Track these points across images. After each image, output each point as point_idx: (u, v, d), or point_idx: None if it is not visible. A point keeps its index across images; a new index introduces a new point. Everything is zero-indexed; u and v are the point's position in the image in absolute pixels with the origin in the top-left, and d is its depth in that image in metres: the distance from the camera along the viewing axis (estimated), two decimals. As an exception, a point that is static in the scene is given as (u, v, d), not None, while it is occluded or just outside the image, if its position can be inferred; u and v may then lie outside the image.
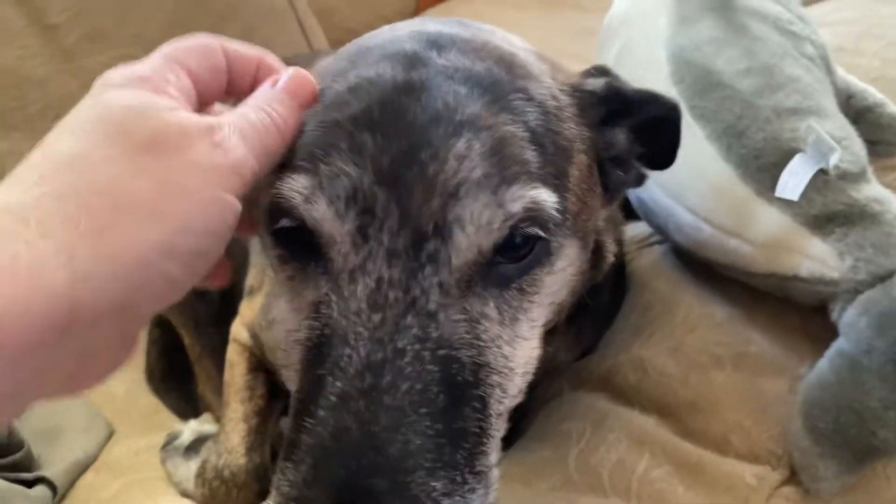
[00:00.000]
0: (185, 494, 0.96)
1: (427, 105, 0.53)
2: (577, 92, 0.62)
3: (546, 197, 0.53)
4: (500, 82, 0.56)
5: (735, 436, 0.74)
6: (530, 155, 0.54)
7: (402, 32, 0.61)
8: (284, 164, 0.57)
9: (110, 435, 1.12)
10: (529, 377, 0.58)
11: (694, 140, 0.78)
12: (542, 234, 0.54)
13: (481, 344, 0.52)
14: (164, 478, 1.00)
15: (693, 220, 0.78)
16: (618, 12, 1.03)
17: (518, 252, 0.54)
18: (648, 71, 0.88)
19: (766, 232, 0.72)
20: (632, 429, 0.77)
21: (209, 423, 1.08)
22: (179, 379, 1.24)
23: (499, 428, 0.54)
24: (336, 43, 1.72)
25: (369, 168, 0.51)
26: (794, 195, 0.70)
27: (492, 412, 0.53)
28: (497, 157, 0.52)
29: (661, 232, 0.88)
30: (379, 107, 0.53)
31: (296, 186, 0.53)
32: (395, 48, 0.58)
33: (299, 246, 0.55)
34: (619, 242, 0.83)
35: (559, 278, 0.59)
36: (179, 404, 1.20)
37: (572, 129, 0.60)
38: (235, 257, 1.21)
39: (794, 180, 0.70)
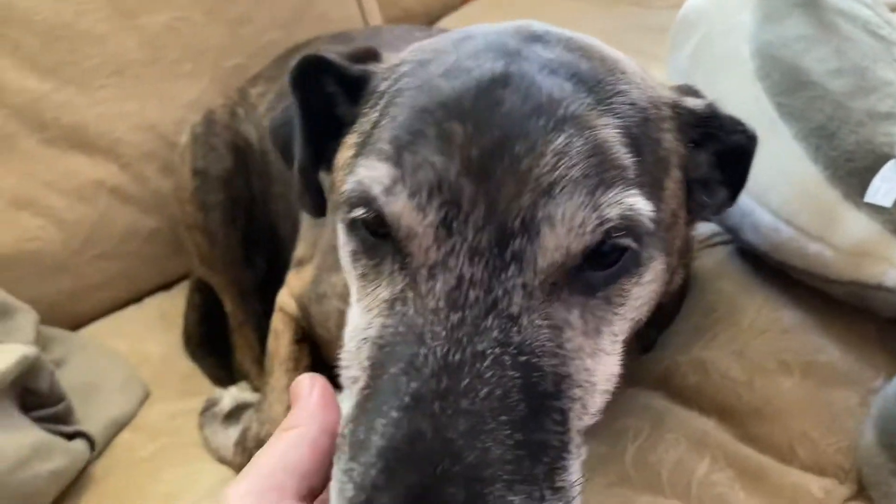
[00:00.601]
0: (222, 461, 0.95)
1: (528, 96, 0.51)
2: (677, 107, 0.60)
3: (643, 206, 0.51)
4: (605, 83, 0.54)
5: (801, 446, 0.71)
6: (629, 161, 0.52)
7: (508, 27, 0.60)
8: (367, 143, 0.55)
9: (146, 396, 1.12)
10: (608, 396, 0.55)
11: (779, 139, 0.75)
12: (633, 245, 0.51)
13: (564, 354, 0.49)
14: (200, 443, 1.00)
15: (773, 221, 0.75)
16: (695, 5, 1.00)
17: (606, 259, 0.51)
18: (729, 66, 0.85)
19: (852, 238, 0.70)
20: (691, 430, 0.75)
21: (249, 391, 1.07)
22: (217, 345, 1.23)
23: (579, 444, 0.51)
24: (391, 20, 1.70)
25: (457, 158, 0.49)
26: (886, 201, 0.67)
27: (571, 427, 0.49)
28: (597, 159, 0.50)
29: (733, 232, 0.85)
30: (473, 96, 0.51)
31: (376, 176, 0.50)
32: (499, 41, 0.56)
33: (374, 240, 0.53)
34: (687, 266, 0.80)
35: (645, 291, 0.56)
36: (215, 370, 1.19)
37: (671, 142, 0.58)
38: (285, 228, 1.21)
39: (886, 186, 0.68)
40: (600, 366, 0.53)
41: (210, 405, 1.02)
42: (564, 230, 0.48)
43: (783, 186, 0.75)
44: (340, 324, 0.89)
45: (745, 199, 0.79)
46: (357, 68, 0.63)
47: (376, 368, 0.49)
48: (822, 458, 0.70)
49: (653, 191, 0.54)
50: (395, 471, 0.43)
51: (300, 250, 1.04)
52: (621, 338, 0.56)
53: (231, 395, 1.03)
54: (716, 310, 0.85)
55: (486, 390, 0.45)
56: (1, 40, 1.19)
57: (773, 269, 0.83)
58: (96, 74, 1.28)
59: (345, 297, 0.88)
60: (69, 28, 1.26)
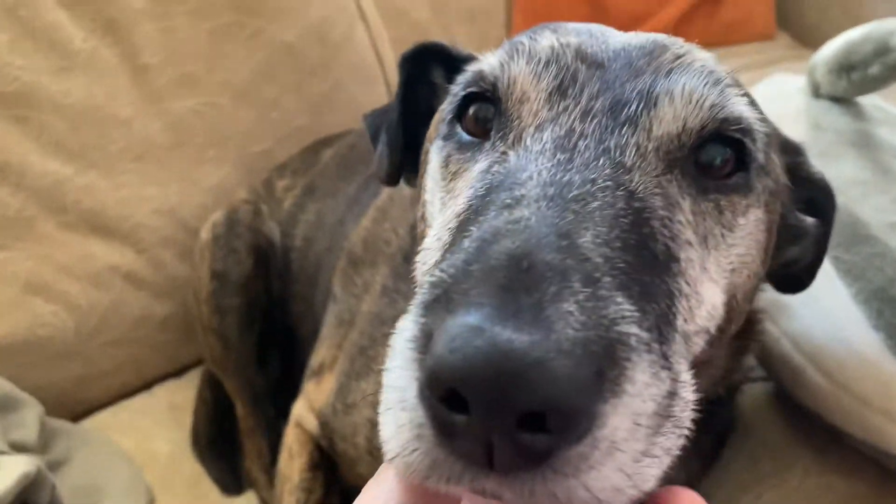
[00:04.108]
0: (225, 591, 0.89)
1: (634, 44, 0.54)
2: (775, 130, 0.61)
3: (755, 117, 0.52)
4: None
5: None
6: (744, 97, 0.53)
7: None
8: None
9: (151, 502, 1.06)
10: (705, 337, 0.48)
11: (836, 297, 0.71)
12: (746, 141, 0.50)
13: (675, 232, 0.45)
14: (204, 566, 0.94)
15: (827, 385, 0.71)
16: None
17: (718, 171, 0.50)
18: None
19: (918, 415, 0.65)
20: None
21: (258, 511, 1.02)
22: (226, 448, 1.18)
23: (684, 355, 0.43)
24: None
25: (571, 49, 0.52)
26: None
27: (678, 314, 0.43)
28: (714, 75, 0.52)
29: (782, 385, 0.81)
30: (575, 31, 0.55)
31: (494, 59, 0.54)
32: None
33: (472, 139, 0.54)
34: (732, 395, 0.75)
35: (748, 235, 0.52)
36: (223, 475, 1.14)
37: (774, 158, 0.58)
38: (304, 328, 1.16)
39: (956, 363, 0.63)
40: (705, 287, 0.47)
41: (216, 525, 0.97)
42: (683, 102, 0.49)
43: (840, 350, 0.70)
44: (371, 436, 0.84)
45: (795, 357, 0.75)
46: (467, 53, 0.68)
47: (470, 214, 0.46)
48: None
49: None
50: (490, 242, 0.38)
51: (320, 355, 0.99)
52: (722, 284, 0.50)
53: (239, 518, 0.98)
54: (760, 462, 0.80)
55: (596, 204, 0.41)
56: (26, 124, 1.16)
57: (817, 422, 0.78)
58: (120, 158, 1.25)
59: (377, 405, 0.83)
60: (98, 111, 1.24)
